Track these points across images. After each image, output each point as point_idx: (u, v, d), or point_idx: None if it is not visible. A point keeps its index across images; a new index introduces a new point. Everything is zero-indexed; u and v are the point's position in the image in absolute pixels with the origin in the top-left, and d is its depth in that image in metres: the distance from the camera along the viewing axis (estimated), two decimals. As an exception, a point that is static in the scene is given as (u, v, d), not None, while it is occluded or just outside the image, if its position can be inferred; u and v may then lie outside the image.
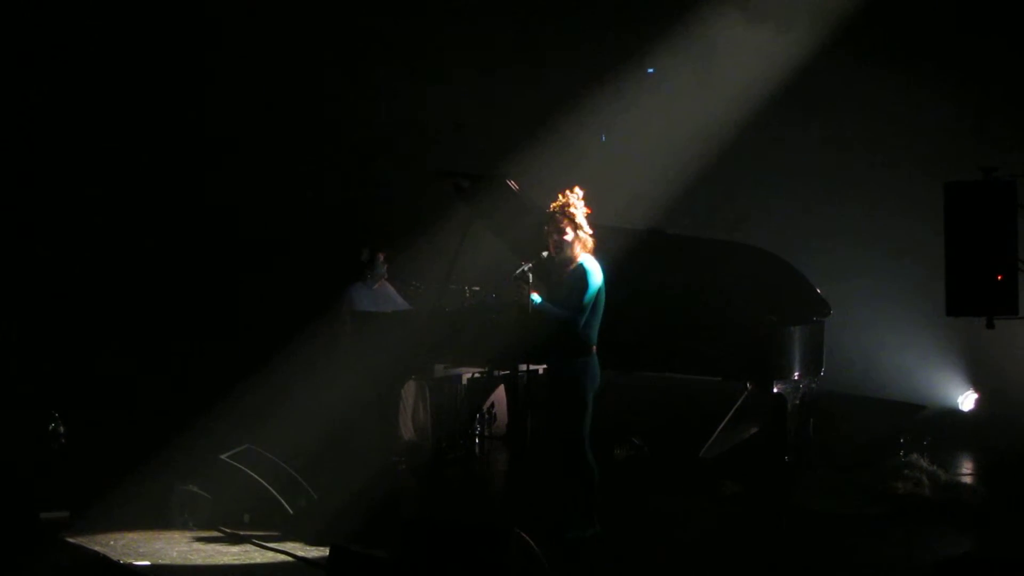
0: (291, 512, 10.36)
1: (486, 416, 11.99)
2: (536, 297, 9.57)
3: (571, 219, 9.62)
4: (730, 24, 14.50)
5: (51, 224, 13.88)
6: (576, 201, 9.71)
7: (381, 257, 12.54)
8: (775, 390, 11.12)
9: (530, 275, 9.59)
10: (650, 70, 15.00)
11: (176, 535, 9.99)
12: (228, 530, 10.07)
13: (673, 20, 14.54)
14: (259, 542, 9.73)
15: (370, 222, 14.26)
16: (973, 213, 10.63)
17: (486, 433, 12.00)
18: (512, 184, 11.00)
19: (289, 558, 9.38)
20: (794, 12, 14.26)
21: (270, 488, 10.43)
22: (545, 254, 9.69)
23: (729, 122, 14.26)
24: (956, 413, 14.61)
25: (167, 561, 9.31)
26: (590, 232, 9.69)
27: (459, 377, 11.42)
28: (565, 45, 15.09)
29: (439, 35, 15.09)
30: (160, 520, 10.25)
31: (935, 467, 11.62)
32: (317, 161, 14.92)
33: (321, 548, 8.97)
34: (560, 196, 9.74)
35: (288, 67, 14.73)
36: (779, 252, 11.67)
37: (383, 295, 12.52)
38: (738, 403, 12.06)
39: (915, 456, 11.82)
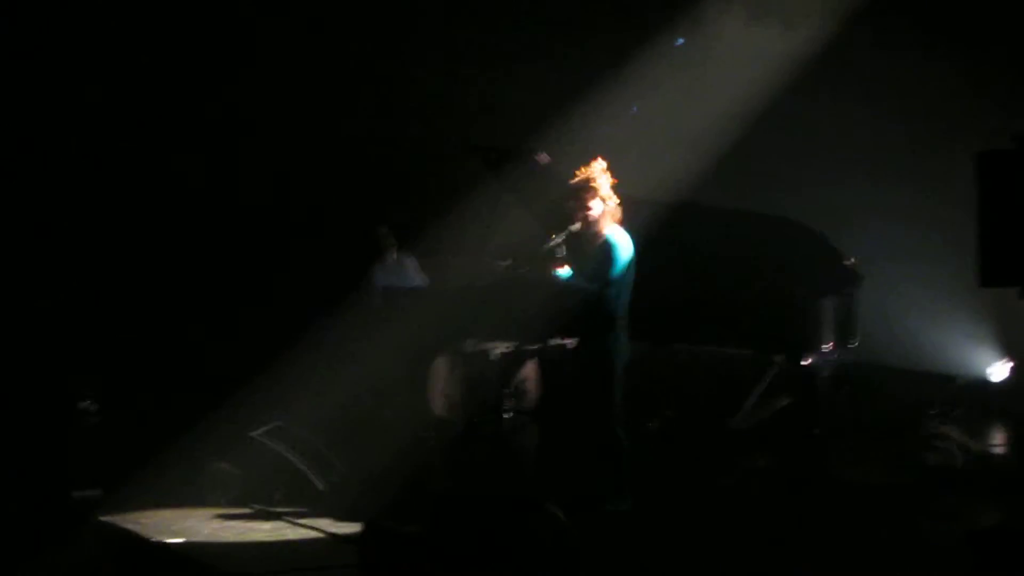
0: (322, 489, 10.46)
1: (516, 391, 11.94)
2: (563, 272, 9.59)
3: (594, 191, 9.60)
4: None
5: (88, 198, 13.97)
6: (599, 172, 9.68)
7: (384, 230, 12.62)
8: (806, 362, 11.03)
9: (559, 250, 9.60)
10: (680, 40, 14.87)
11: (208, 512, 10.07)
12: (260, 507, 10.14)
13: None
14: (291, 519, 9.78)
15: (394, 198, 14.26)
16: (1006, 182, 10.50)
17: (517, 408, 11.96)
18: (542, 157, 10.94)
19: (321, 534, 9.41)
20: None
21: (300, 465, 10.53)
22: (575, 227, 9.64)
23: (757, 98, 14.11)
24: (988, 383, 14.50)
25: (200, 539, 9.35)
26: (616, 202, 9.65)
27: (489, 352, 11.28)
28: (594, 18, 15.03)
29: (465, 10, 14.99)
30: (192, 498, 10.36)
31: (967, 437, 11.61)
32: (342, 140, 14.82)
33: (352, 524, 8.97)
34: (582, 168, 9.71)
35: (314, 40, 14.72)
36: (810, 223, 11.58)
37: (399, 270, 12.64)
38: (769, 375, 11.99)
39: (947, 427, 11.83)
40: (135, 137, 14.22)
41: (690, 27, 14.70)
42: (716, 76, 14.57)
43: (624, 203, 9.75)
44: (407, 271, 12.60)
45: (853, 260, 11.56)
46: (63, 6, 13.77)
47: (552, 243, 9.68)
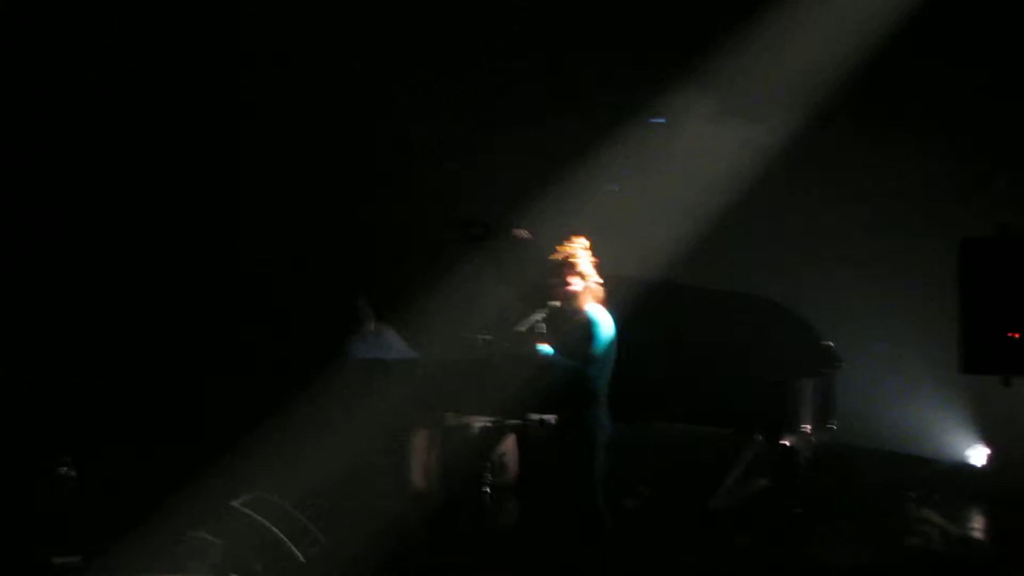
0: (303, 560, 10.39)
1: (496, 466, 11.93)
2: (545, 349, 9.62)
3: (574, 268, 9.71)
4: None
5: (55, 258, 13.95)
6: (580, 250, 9.79)
7: (363, 301, 12.65)
8: (785, 442, 11.10)
9: (540, 326, 9.65)
10: (660, 119, 14.89)
11: (188, 582, 9.89)
12: (240, 577, 9.98)
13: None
14: (270, 590, 9.62)
15: (375, 270, 14.34)
16: (989, 270, 10.56)
17: (497, 483, 11.95)
18: (523, 233, 11.13)
19: (300, 606, 9.27)
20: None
21: (281, 535, 10.45)
22: (556, 304, 9.72)
23: (737, 179, 14.19)
24: (968, 468, 14.50)
25: (179, 608, 9.21)
26: (598, 281, 9.75)
27: (470, 426, 11.40)
28: (578, 95, 15.09)
29: (453, 86, 15.10)
30: (172, 566, 10.22)
31: (946, 521, 11.58)
32: (324, 212, 14.88)
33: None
34: (564, 245, 9.83)
35: (300, 108, 14.78)
36: (790, 303, 11.69)
37: (381, 341, 12.61)
38: (748, 454, 12.03)
39: (926, 510, 11.79)
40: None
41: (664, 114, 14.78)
42: (690, 159, 14.56)
43: (605, 281, 9.83)
44: (386, 342, 12.61)
45: (831, 343, 11.58)
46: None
47: (533, 319, 9.71)
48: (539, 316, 9.75)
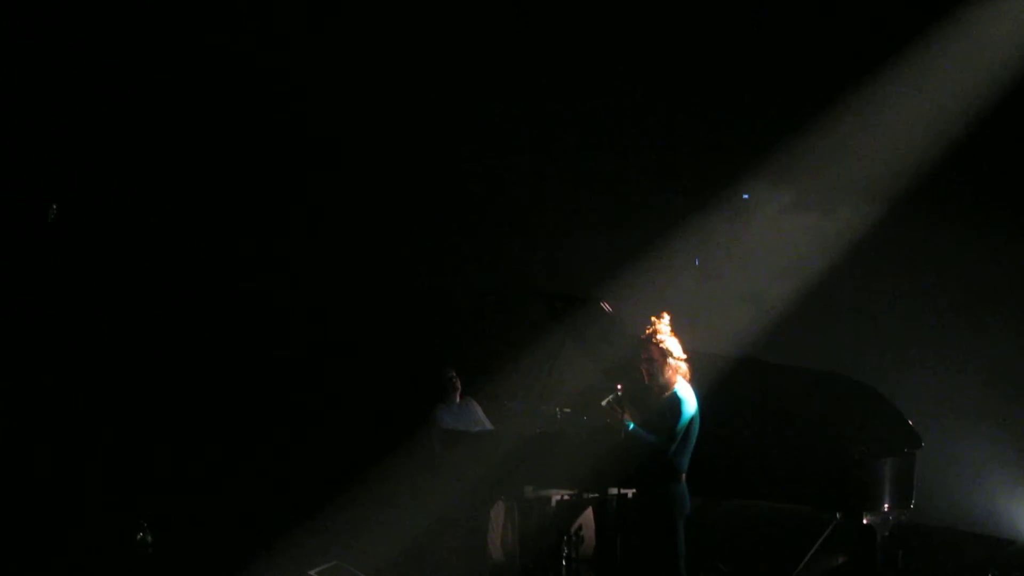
0: (379, 631, 10.34)
1: (574, 539, 11.84)
2: (630, 421, 9.65)
3: (659, 346, 9.76)
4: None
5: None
6: (663, 328, 9.85)
7: (452, 373, 12.58)
8: (864, 521, 11.02)
9: (618, 400, 9.69)
10: (745, 196, 15.04)
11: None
12: (318, 647, 10.03)
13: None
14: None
15: (457, 341, 14.36)
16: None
17: (574, 555, 11.82)
18: (606, 306, 11.09)
19: None
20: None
21: (359, 606, 10.41)
22: (619, 391, 9.78)
23: (819, 258, 14.30)
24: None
25: None
26: (682, 358, 9.79)
27: (548, 499, 11.40)
28: (658, 167, 15.23)
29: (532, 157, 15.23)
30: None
31: (1025, 601, 11.48)
32: (411, 283, 14.98)
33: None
34: (651, 323, 9.87)
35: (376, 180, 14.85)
36: (871, 383, 11.63)
37: (467, 413, 12.55)
38: (827, 532, 11.88)
39: (1006, 591, 11.68)
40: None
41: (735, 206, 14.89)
42: (772, 242, 14.69)
43: (689, 357, 9.87)
44: (473, 415, 12.58)
45: (911, 422, 11.50)
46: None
47: (616, 394, 9.74)
48: (619, 390, 9.77)
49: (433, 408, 12.44)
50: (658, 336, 9.79)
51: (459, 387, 12.56)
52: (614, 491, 10.31)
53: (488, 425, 12.63)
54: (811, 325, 14.53)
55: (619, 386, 9.81)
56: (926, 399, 13.62)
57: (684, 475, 9.75)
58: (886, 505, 11.12)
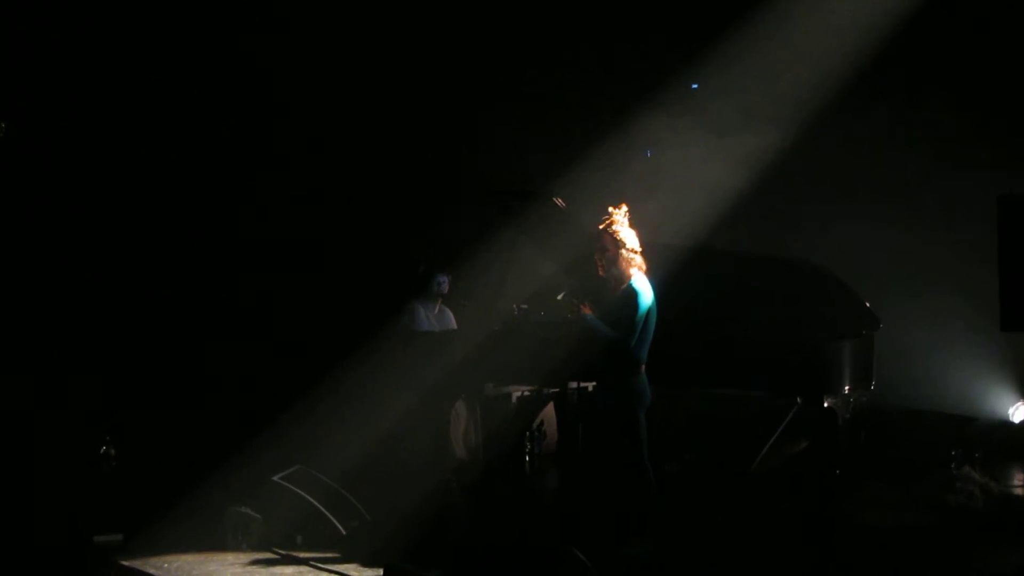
0: (344, 533, 10.53)
1: (536, 434, 11.96)
2: (588, 316, 9.74)
3: (614, 237, 9.79)
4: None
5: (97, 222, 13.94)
6: (620, 219, 9.86)
7: (445, 278, 12.47)
8: (825, 404, 11.03)
9: (581, 292, 9.82)
10: (694, 86, 15.04)
11: (230, 557, 10.15)
12: (282, 552, 10.20)
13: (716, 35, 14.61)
14: (313, 563, 9.84)
15: (427, 239, 14.25)
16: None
17: (536, 451, 11.95)
18: (559, 202, 11.03)
19: (343, 579, 9.38)
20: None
21: (323, 509, 10.59)
22: (573, 287, 10.07)
23: (766, 140, 14.36)
24: (1008, 425, 14.64)
25: (221, 583, 9.35)
26: (637, 250, 9.81)
27: (509, 395, 11.45)
28: (610, 59, 15.27)
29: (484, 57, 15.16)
30: (214, 542, 10.44)
31: (987, 479, 11.72)
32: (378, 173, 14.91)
33: (375, 569, 9.18)
34: (606, 215, 9.89)
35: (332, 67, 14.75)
36: (828, 266, 11.69)
37: (442, 321, 12.51)
38: (788, 418, 12.11)
39: (967, 468, 11.92)
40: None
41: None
42: (725, 118, 14.75)
43: (644, 249, 9.91)
44: (448, 324, 12.54)
45: (868, 304, 11.58)
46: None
47: (571, 288, 9.88)
48: (576, 284, 9.91)
49: (411, 303, 12.38)
50: (613, 227, 9.80)
51: (445, 293, 12.52)
52: (574, 385, 10.38)
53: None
54: (767, 207, 14.71)
55: (575, 281, 10.01)
56: (892, 279, 13.93)
57: (643, 366, 9.81)
58: (846, 387, 11.14)
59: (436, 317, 12.44)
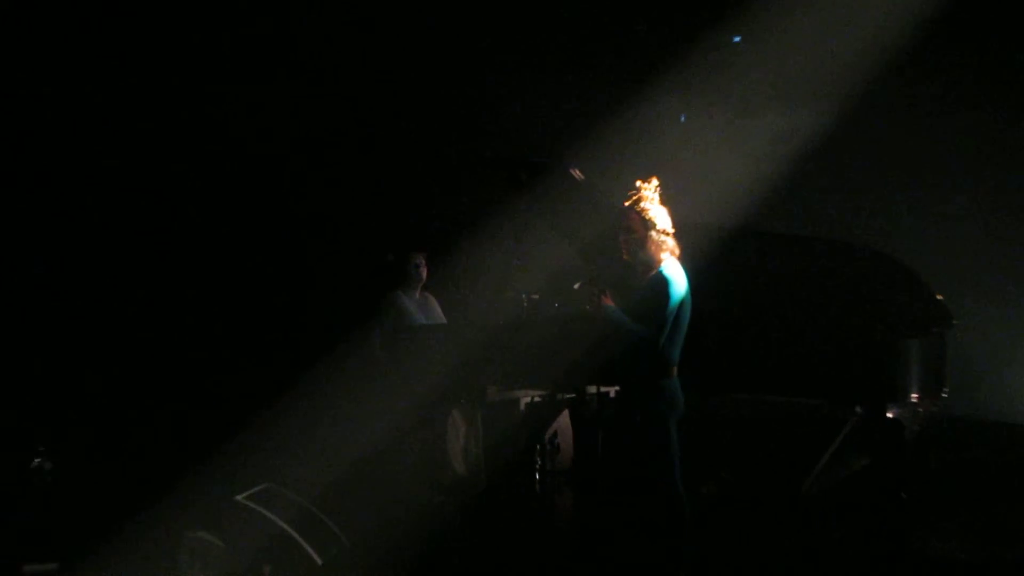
0: (319, 562, 10.36)
1: (548, 447, 11.67)
2: (610, 308, 9.55)
3: (642, 216, 9.58)
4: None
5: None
6: (650, 194, 9.64)
7: (419, 259, 12.28)
8: (889, 415, 10.89)
9: (602, 280, 9.62)
10: (736, 38, 14.90)
11: (185, 592, 9.99)
12: (246, 585, 10.04)
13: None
14: (283, 599, 9.71)
15: (406, 220, 14.16)
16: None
17: (548, 467, 11.63)
18: (577, 174, 10.88)
19: (317, 617, 9.34)
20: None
21: (294, 534, 10.40)
22: (621, 257, 9.72)
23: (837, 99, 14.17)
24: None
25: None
26: (670, 232, 9.62)
27: (516, 402, 11.27)
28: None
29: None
30: (166, 573, 10.31)
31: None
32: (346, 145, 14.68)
33: (355, 607, 8.93)
34: (633, 190, 9.69)
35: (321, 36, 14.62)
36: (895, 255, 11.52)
37: (425, 308, 12.36)
38: (846, 430, 11.94)
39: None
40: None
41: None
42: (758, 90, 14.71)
43: (678, 230, 9.72)
44: (432, 311, 12.40)
45: (941, 298, 11.43)
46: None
47: (588, 277, 9.72)
48: (597, 270, 9.75)
49: (389, 294, 12.22)
50: (642, 204, 9.59)
51: (424, 278, 12.39)
52: (593, 390, 10.19)
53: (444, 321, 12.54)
54: (825, 190, 14.54)
55: (596, 266, 9.89)
56: (966, 274, 13.66)
57: (675, 368, 9.63)
58: (914, 395, 10.93)
59: (420, 306, 12.32)
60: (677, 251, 9.66)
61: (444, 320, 12.42)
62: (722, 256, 10.77)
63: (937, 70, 14.51)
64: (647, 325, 9.45)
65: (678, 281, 9.52)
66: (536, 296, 11.23)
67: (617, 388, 10.21)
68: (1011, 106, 14.40)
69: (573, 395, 10.68)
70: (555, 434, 11.37)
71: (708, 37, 14.66)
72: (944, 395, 11.38)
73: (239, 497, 10.60)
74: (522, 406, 11.26)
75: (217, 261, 14.06)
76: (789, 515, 11.84)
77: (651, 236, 9.56)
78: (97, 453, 12.30)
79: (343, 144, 14.58)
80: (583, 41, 15.20)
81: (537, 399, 11.12)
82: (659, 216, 9.60)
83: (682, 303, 9.53)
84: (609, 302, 9.60)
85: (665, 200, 9.70)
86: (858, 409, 11.50)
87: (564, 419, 11.40)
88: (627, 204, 9.66)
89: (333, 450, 11.58)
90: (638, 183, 9.70)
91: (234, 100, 14.17)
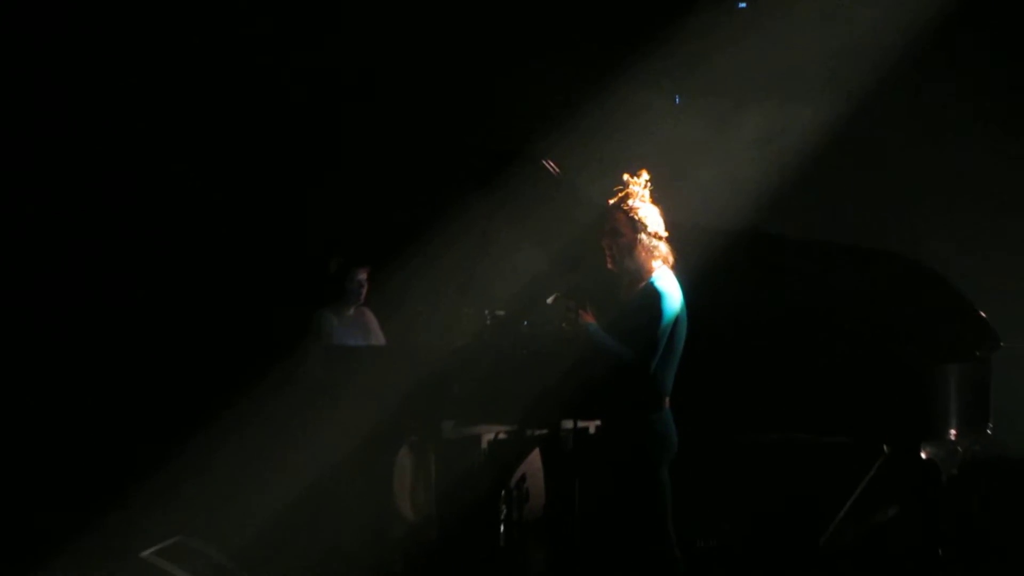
0: (240, 631, 10.15)
1: (515, 493, 11.35)
2: (591, 326, 9.01)
3: (629, 215, 9.05)
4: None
5: None
6: (640, 191, 9.12)
7: (362, 275, 12.01)
8: (923, 454, 10.48)
9: (581, 293, 9.17)
10: (741, 4, 14.62)
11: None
12: (154, 657, 9.82)
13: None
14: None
15: (342, 226, 13.88)
16: None
17: (516, 516, 11.33)
18: (551, 166, 10.46)
19: None
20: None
21: (210, 596, 10.18)
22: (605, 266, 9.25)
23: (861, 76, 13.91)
24: None
25: None
26: (663, 235, 9.08)
27: (477, 439, 10.94)
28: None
29: None
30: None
31: None
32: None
33: None
34: (620, 186, 9.20)
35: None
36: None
37: (360, 325, 12.07)
38: (871, 473, 11.59)
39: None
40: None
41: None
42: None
43: (672, 233, 9.18)
44: (365, 328, 12.17)
45: (985, 315, 11.02)
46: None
47: (563, 290, 9.30)
48: (576, 283, 9.44)
49: (315, 313, 11.97)
50: (630, 202, 9.04)
51: (363, 298, 12.16)
52: (569, 425, 9.70)
53: (383, 341, 12.34)
54: (847, 187, 14.16)
55: (574, 278, 9.62)
56: (1012, 287, 13.23)
57: (668, 399, 9.06)
58: (953, 431, 10.55)
59: (354, 324, 12.04)
60: (671, 259, 9.13)
61: (380, 335, 12.27)
62: (724, 264, 10.35)
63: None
64: (634, 347, 8.86)
65: (672, 294, 8.96)
66: (501, 313, 10.90)
67: (598, 423, 9.72)
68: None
69: (545, 431, 10.34)
70: (523, 478, 11.14)
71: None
72: (989, 431, 10.99)
73: (145, 553, 10.14)
74: (484, 444, 11.00)
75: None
76: (803, 574, 11.58)
77: (640, 240, 9.00)
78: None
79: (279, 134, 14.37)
80: (561, 16, 14.95)
81: (502, 436, 10.85)
82: (650, 217, 9.04)
83: (676, 320, 8.96)
84: (589, 319, 9.07)
85: (657, 198, 9.19)
86: (885, 448, 11.25)
87: (534, 460, 11.13)
88: (612, 202, 9.14)
89: (257, 496, 11.25)
90: (625, 177, 9.16)
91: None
